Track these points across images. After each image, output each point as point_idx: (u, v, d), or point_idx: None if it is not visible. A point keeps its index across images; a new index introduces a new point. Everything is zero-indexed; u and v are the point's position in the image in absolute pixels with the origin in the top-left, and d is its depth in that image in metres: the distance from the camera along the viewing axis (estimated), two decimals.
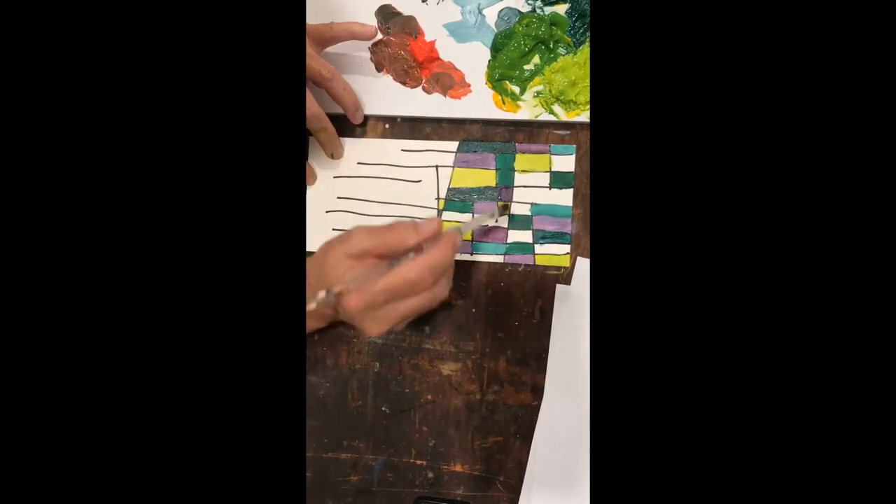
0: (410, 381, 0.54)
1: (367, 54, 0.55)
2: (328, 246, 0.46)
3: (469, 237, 0.54)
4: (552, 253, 0.53)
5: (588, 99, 0.53)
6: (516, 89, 0.54)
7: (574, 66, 0.53)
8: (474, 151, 0.55)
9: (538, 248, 0.54)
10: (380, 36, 0.55)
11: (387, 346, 0.55)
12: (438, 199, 0.55)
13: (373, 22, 0.55)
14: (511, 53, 0.53)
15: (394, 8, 0.54)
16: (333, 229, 0.56)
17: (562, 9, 0.53)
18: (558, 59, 0.53)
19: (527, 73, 0.54)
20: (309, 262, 0.47)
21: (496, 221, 0.54)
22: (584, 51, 0.53)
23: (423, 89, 0.55)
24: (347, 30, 0.53)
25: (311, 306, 0.39)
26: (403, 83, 0.55)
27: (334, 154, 0.55)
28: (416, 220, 0.48)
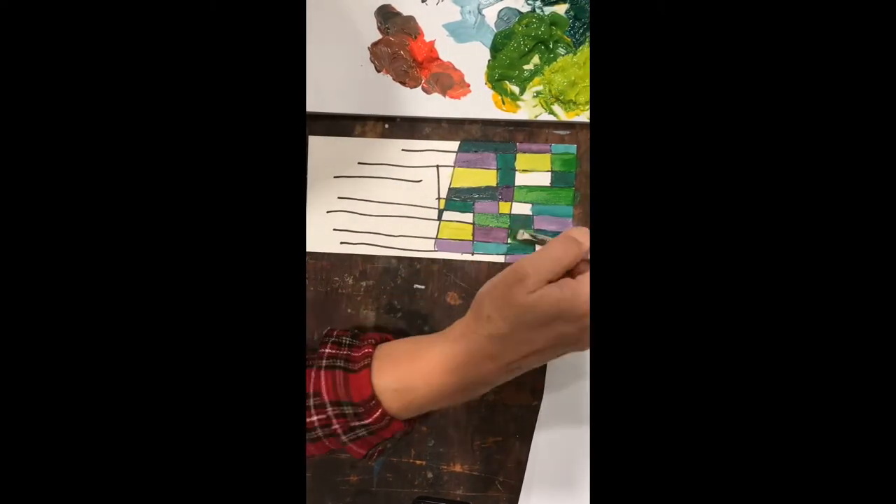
0: None
1: (367, 54, 0.55)
2: (505, 295, 0.41)
3: None
4: None
5: (588, 99, 0.53)
6: (516, 89, 0.54)
7: (574, 66, 0.53)
8: (475, 151, 0.55)
9: (539, 248, 0.54)
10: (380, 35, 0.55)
11: None
12: (439, 198, 0.55)
13: (372, 21, 0.55)
14: (511, 53, 0.53)
15: (393, 8, 0.54)
16: (334, 229, 0.56)
17: (561, 9, 0.53)
18: (558, 59, 0.53)
19: (526, 73, 0.54)
20: (488, 307, 0.42)
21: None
22: (584, 51, 0.53)
23: (423, 89, 0.55)
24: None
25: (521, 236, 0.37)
26: (403, 83, 0.55)
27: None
28: (564, 234, 0.44)
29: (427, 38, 0.54)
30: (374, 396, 0.43)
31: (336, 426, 0.44)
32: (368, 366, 0.44)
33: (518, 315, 0.41)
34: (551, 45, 0.53)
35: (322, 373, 0.45)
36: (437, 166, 0.55)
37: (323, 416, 0.44)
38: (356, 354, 0.45)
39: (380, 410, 0.43)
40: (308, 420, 0.44)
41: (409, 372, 0.43)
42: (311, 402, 0.44)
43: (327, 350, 0.46)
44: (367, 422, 0.43)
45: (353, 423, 0.44)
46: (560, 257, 0.42)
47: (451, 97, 0.54)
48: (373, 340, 0.47)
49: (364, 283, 0.55)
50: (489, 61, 0.54)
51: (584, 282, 0.41)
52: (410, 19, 0.54)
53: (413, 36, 0.54)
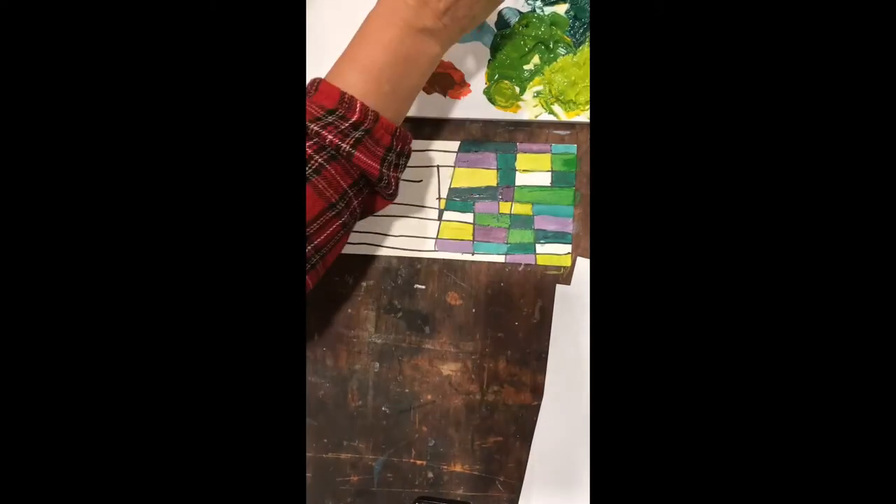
0: (410, 381, 0.54)
1: None
2: None
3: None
4: (553, 253, 0.53)
5: (588, 99, 0.53)
6: (516, 89, 0.54)
7: (574, 66, 0.53)
8: (475, 151, 0.55)
9: (539, 248, 0.54)
10: None
11: (387, 346, 0.55)
12: (440, 198, 0.55)
13: None
14: (511, 53, 0.53)
15: None
16: None
17: (562, 9, 0.53)
18: (558, 60, 0.53)
19: (526, 73, 0.54)
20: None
21: None
22: (584, 51, 0.53)
23: (423, 89, 0.55)
24: None
25: None
26: None
27: None
28: None
29: None
30: (343, 93, 0.44)
31: (329, 137, 0.44)
32: (321, 80, 0.45)
33: None
34: (551, 45, 0.53)
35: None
36: (438, 166, 0.55)
37: (312, 142, 0.44)
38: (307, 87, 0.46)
39: (358, 103, 0.44)
40: (307, 152, 0.44)
41: (359, 49, 0.45)
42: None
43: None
44: (354, 118, 0.44)
45: (342, 127, 0.44)
46: None
47: (452, 97, 0.54)
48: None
49: (364, 283, 0.55)
50: (489, 61, 0.54)
51: None
52: None
53: None
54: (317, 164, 0.44)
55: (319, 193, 0.44)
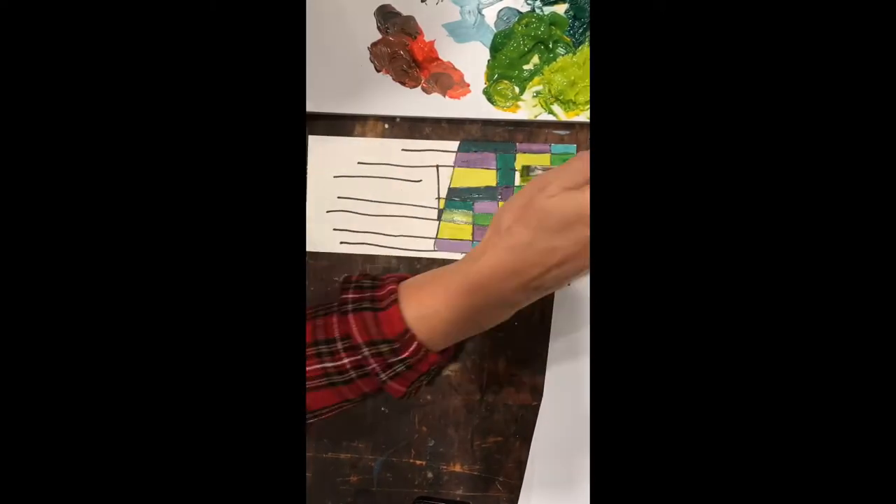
0: None
1: (367, 54, 0.55)
2: (525, 204, 0.40)
3: None
4: None
5: (587, 99, 0.53)
6: (516, 89, 0.54)
7: (573, 66, 0.53)
8: (475, 151, 0.55)
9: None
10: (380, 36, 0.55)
11: None
12: (439, 198, 0.55)
13: (372, 21, 0.55)
14: (510, 53, 0.53)
15: (393, 8, 0.55)
16: (334, 229, 0.56)
17: (561, 9, 0.53)
18: (558, 59, 0.53)
19: (526, 73, 0.54)
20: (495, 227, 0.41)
21: None
22: (584, 51, 0.53)
23: (423, 89, 0.55)
24: None
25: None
26: (403, 83, 0.55)
27: None
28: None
29: (427, 38, 0.54)
30: (407, 329, 0.43)
31: (374, 365, 0.44)
32: (396, 301, 0.43)
33: (540, 220, 0.40)
34: (551, 45, 0.53)
35: (350, 316, 0.44)
36: (437, 166, 0.55)
37: (357, 358, 0.44)
38: (380, 293, 0.45)
39: (416, 343, 0.43)
40: (339, 363, 0.44)
41: (432, 296, 0.43)
42: (338, 345, 0.44)
43: (350, 295, 0.46)
44: (404, 356, 0.43)
45: (391, 360, 0.43)
46: (581, 169, 0.41)
47: (451, 97, 0.54)
48: (394, 279, 0.47)
49: None
50: (489, 61, 0.54)
51: None
52: (410, 19, 0.54)
53: (413, 36, 0.54)
54: (350, 377, 0.44)
55: (340, 394, 0.45)
